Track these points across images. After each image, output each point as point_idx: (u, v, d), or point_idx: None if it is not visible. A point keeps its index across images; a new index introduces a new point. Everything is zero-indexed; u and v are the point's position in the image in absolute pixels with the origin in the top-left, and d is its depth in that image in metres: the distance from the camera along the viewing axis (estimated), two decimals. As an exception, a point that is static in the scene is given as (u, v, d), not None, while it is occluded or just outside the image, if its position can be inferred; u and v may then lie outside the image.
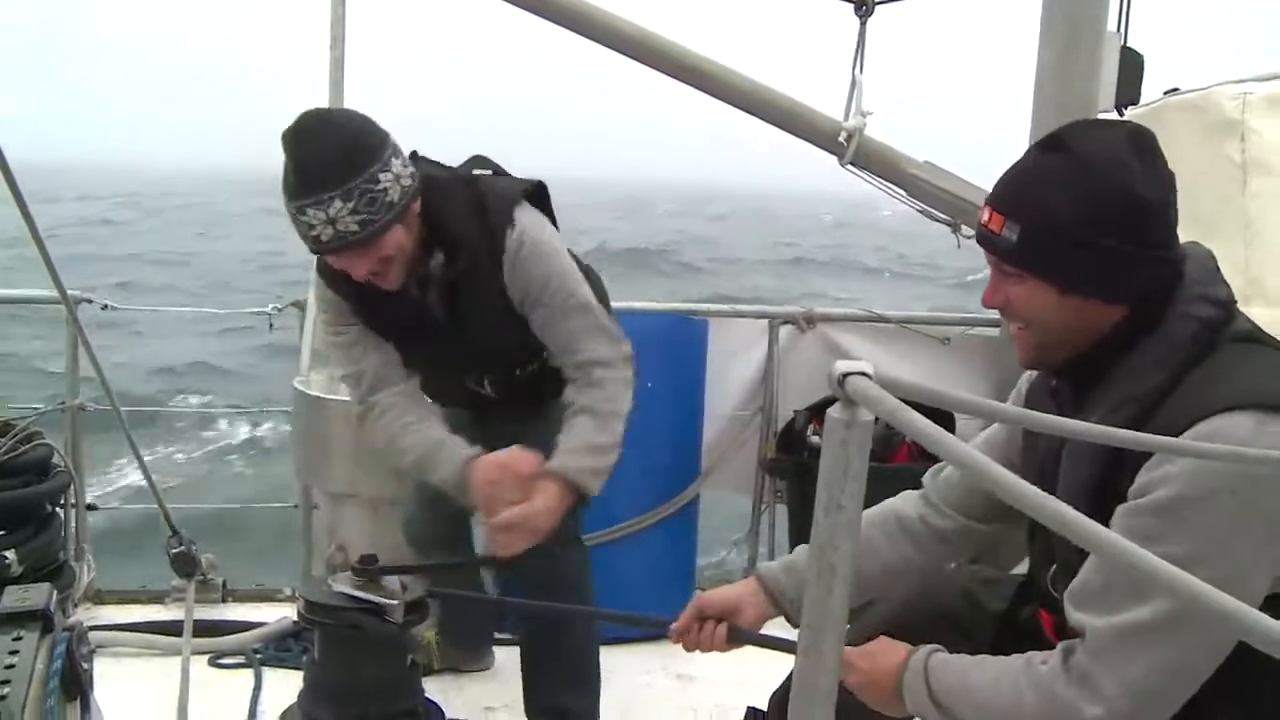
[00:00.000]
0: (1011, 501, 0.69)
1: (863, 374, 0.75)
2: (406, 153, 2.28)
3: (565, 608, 2.62)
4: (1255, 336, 1.48)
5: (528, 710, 2.70)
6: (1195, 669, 1.36)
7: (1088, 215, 1.45)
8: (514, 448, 2.29)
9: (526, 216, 2.36)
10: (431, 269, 2.33)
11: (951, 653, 1.63)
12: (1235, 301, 1.51)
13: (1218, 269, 1.54)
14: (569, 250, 2.57)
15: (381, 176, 2.12)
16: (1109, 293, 1.49)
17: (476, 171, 2.48)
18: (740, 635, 1.87)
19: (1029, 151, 1.56)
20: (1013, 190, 1.53)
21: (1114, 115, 3.42)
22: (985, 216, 1.55)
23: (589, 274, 2.72)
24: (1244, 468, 1.30)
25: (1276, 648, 0.58)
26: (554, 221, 2.49)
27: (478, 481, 2.26)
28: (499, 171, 2.54)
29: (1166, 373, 1.44)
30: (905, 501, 1.93)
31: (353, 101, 3.59)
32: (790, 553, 2.00)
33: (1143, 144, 1.50)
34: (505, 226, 2.31)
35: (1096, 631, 1.39)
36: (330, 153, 2.10)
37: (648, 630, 3.48)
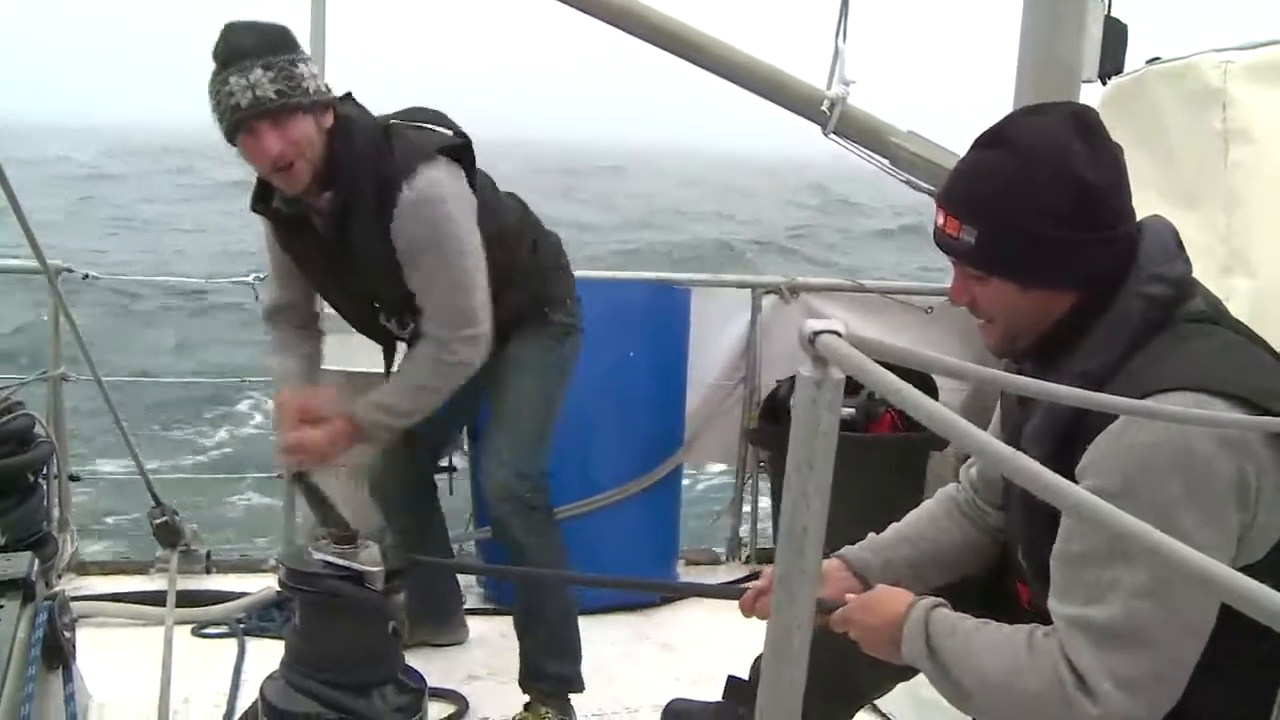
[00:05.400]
0: (966, 449, 0.70)
1: (833, 332, 0.75)
2: (343, 93, 2.44)
3: (564, 575, 2.67)
4: (1209, 316, 1.50)
5: (520, 681, 2.75)
6: (1184, 658, 1.38)
7: (1040, 210, 1.47)
8: (309, 390, 2.55)
9: (433, 171, 2.37)
10: (320, 203, 2.40)
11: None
12: (1191, 280, 1.52)
13: (1178, 245, 1.55)
14: (511, 205, 2.70)
15: (300, 65, 2.29)
16: (1069, 279, 1.52)
17: (406, 122, 2.52)
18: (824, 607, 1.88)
19: (973, 149, 1.57)
20: (964, 192, 1.55)
21: (1097, 84, 3.41)
22: (940, 220, 1.57)
23: (534, 230, 2.78)
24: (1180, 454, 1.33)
25: (1249, 605, 0.59)
26: (472, 181, 2.50)
27: (275, 404, 2.54)
28: (447, 126, 2.55)
29: (1116, 351, 1.47)
30: (958, 492, 1.96)
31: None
32: (772, 522, 2.02)
33: (1085, 126, 1.51)
34: (402, 179, 2.34)
35: (1089, 624, 1.39)
36: (254, 35, 2.28)
37: (634, 600, 3.52)
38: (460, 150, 2.48)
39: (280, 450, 2.45)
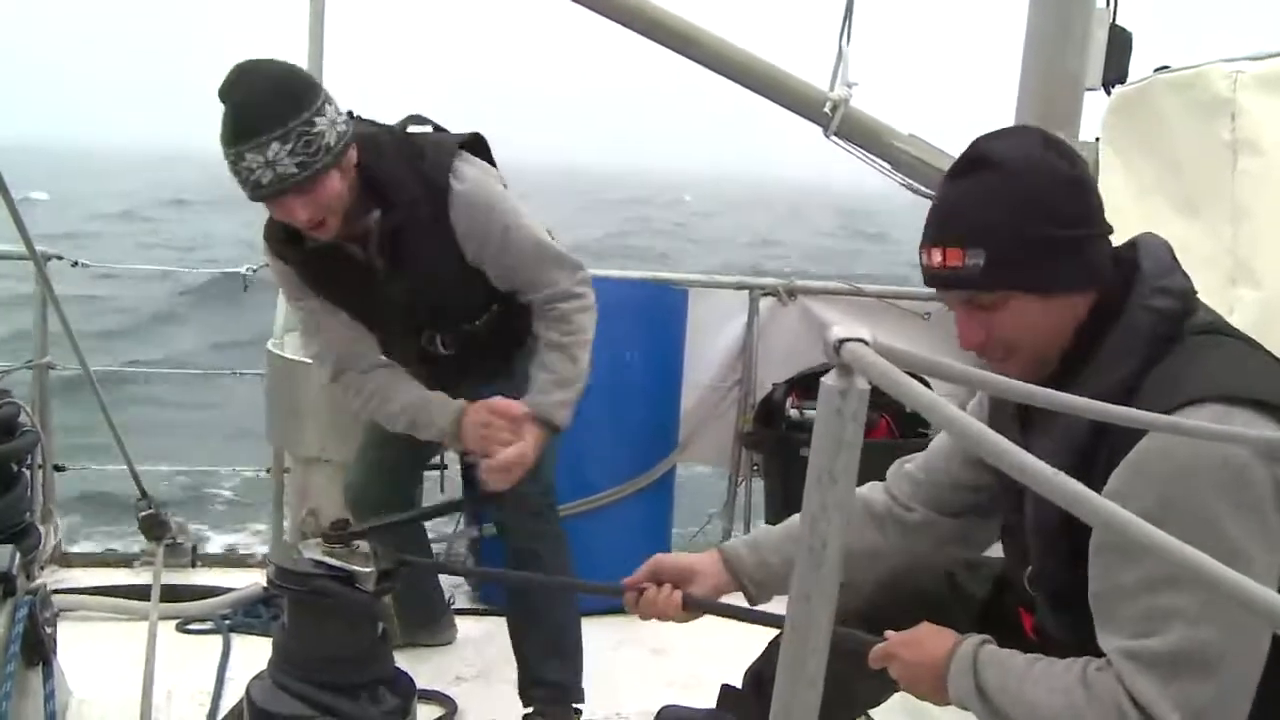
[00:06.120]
0: (1005, 468, 0.67)
1: (860, 340, 0.71)
2: (345, 111, 2.33)
3: (524, 575, 2.66)
4: (1216, 328, 1.49)
5: (520, 690, 2.70)
6: (1247, 680, 1.34)
7: (1038, 214, 1.46)
8: (497, 396, 2.44)
9: (468, 165, 2.39)
10: (369, 224, 2.34)
11: None
12: (1194, 292, 1.52)
13: (1175, 260, 1.54)
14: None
15: (317, 120, 2.18)
16: (1083, 278, 1.50)
17: (412, 129, 2.49)
18: (695, 603, 1.84)
19: (948, 180, 1.55)
20: (956, 220, 1.51)
21: (1101, 92, 3.39)
22: (937, 258, 1.51)
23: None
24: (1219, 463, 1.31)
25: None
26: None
27: (472, 426, 2.42)
28: (437, 129, 2.53)
29: (1130, 367, 1.44)
30: (872, 491, 1.93)
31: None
32: (767, 525, 1.99)
33: (1050, 139, 1.54)
34: (445, 174, 2.33)
35: (1148, 655, 1.35)
36: (265, 97, 2.16)
37: (621, 602, 3.47)
38: (476, 145, 2.48)
39: (495, 470, 2.38)
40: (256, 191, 2.19)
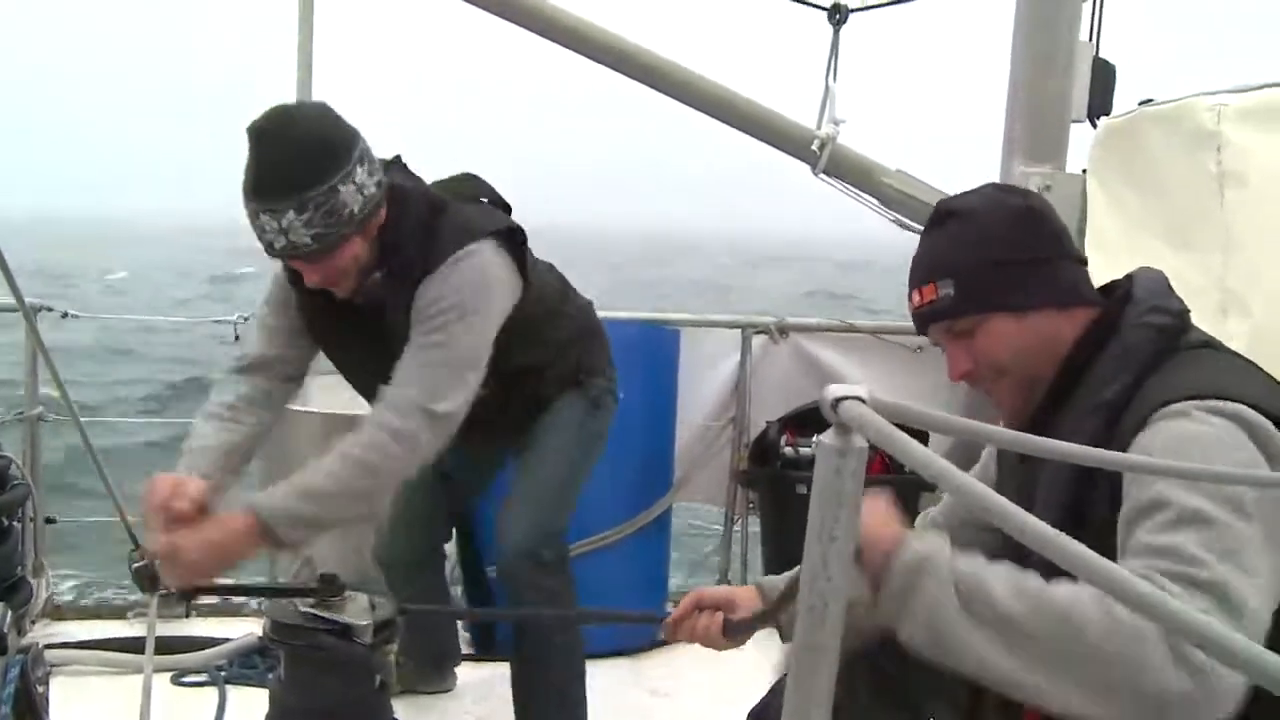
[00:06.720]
0: (1006, 528, 0.67)
1: (857, 398, 0.71)
2: (391, 157, 2.26)
3: (548, 614, 2.60)
4: (1212, 344, 1.56)
5: None
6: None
7: (997, 242, 1.60)
8: (185, 477, 2.06)
9: (483, 250, 2.21)
10: (367, 284, 2.22)
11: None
12: (1189, 314, 1.59)
13: (1170, 288, 1.62)
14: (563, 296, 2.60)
15: (342, 188, 2.03)
16: (1052, 296, 1.59)
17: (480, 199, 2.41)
18: (733, 628, 1.83)
19: (921, 237, 1.71)
20: (927, 263, 1.66)
21: (1086, 125, 3.42)
22: (916, 299, 1.67)
23: (572, 299, 2.68)
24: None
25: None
26: (524, 270, 2.33)
27: (144, 499, 2.05)
28: (493, 200, 2.45)
29: (1128, 379, 1.49)
30: None
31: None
32: (762, 563, 1.98)
33: (1004, 185, 1.78)
34: (448, 255, 2.16)
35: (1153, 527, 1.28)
36: (290, 158, 2.01)
37: (624, 644, 3.45)
38: (511, 234, 2.31)
39: (153, 556, 2.00)
40: (269, 251, 2.08)
